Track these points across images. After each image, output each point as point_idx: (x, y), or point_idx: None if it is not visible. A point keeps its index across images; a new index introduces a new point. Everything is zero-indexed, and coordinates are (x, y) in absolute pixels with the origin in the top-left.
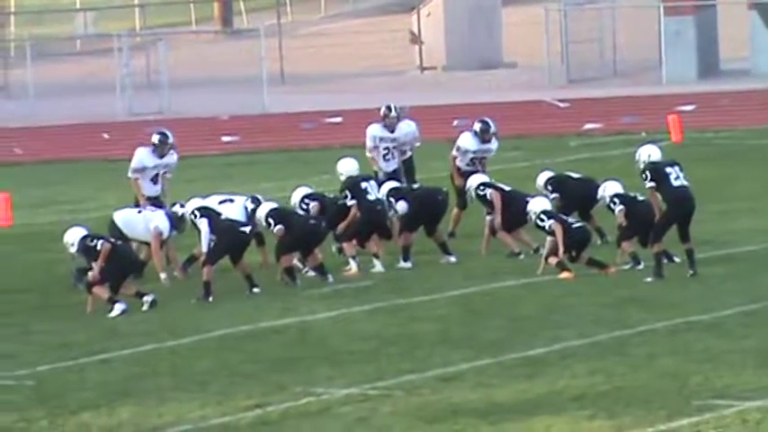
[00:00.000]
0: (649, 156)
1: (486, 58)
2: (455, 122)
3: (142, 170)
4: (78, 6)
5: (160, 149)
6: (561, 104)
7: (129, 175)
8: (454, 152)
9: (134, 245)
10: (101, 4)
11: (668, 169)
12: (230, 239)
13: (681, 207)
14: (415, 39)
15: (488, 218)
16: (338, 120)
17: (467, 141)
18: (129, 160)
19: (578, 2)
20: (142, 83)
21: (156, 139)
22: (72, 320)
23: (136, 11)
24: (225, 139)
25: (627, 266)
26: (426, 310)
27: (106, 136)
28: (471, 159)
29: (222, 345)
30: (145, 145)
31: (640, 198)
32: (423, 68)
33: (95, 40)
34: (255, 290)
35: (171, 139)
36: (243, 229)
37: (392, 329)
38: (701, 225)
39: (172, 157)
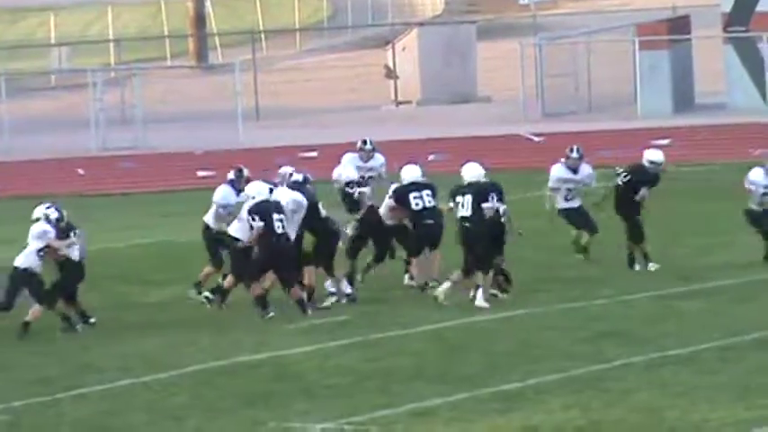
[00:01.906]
0: None
1: (460, 92)
2: (430, 157)
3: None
4: (53, 41)
5: (239, 184)
6: (536, 138)
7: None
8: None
9: None
10: (75, 39)
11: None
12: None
13: None
14: (391, 73)
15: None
16: (313, 154)
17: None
18: (103, 195)
19: (553, 36)
20: (116, 118)
21: (233, 174)
22: (47, 354)
23: (110, 46)
24: (200, 173)
25: None
26: (402, 344)
27: (81, 171)
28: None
29: (198, 380)
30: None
31: None
32: (398, 103)
33: (70, 75)
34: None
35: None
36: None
37: (368, 364)
38: (678, 259)
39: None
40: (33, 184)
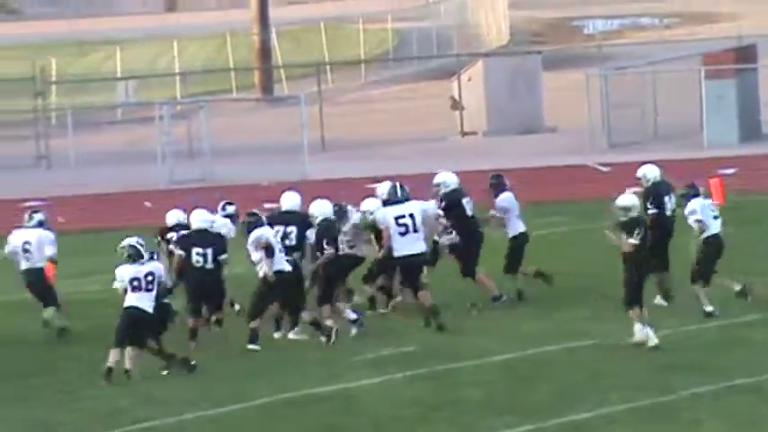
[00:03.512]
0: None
1: (526, 123)
2: None
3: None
4: (119, 75)
5: None
6: (603, 169)
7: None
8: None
9: None
10: (142, 72)
11: None
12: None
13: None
14: (456, 104)
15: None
16: (375, 186)
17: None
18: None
19: (618, 66)
20: (183, 151)
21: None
22: (117, 386)
23: (177, 79)
24: (266, 205)
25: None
26: (470, 375)
27: (148, 204)
28: None
29: (265, 413)
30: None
31: None
32: (464, 134)
33: (137, 109)
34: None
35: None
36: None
37: (436, 395)
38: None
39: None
40: (101, 218)
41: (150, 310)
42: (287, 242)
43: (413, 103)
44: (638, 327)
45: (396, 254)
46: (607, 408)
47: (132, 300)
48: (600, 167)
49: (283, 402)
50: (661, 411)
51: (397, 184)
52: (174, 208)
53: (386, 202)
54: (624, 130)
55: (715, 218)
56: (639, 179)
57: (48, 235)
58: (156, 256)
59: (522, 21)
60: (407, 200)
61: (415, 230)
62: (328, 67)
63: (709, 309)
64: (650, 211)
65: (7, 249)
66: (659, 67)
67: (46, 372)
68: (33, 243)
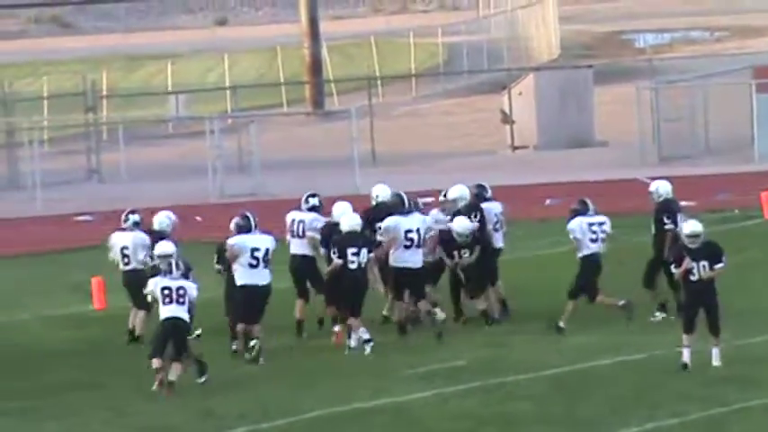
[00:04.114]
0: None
1: (577, 136)
2: (547, 202)
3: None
4: (170, 89)
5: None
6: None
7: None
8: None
9: None
10: (192, 86)
11: None
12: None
13: None
14: (507, 118)
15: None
16: (430, 200)
17: None
18: (222, 243)
19: (669, 80)
20: (234, 165)
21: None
22: (168, 401)
23: (227, 93)
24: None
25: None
26: (521, 389)
27: (199, 218)
28: None
29: (316, 426)
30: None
31: None
32: (514, 148)
33: (187, 123)
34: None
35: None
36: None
37: (487, 409)
38: None
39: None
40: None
41: (187, 318)
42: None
43: (463, 118)
44: (686, 352)
45: (395, 264)
46: (657, 421)
47: (167, 311)
48: (650, 181)
49: (333, 416)
50: (711, 425)
51: (404, 195)
52: (231, 221)
53: (394, 212)
54: (674, 144)
55: (593, 241)
56: (651, 194)
57: (142, 238)
58: (189, 276)
59: (572, 34)
60: (411, 212)
61: (418, 245)
62: (379, 81)
63: (561, 324)
64: (667, 227)
65: (112, 253)
66: (710, 81)
67: (91, 386)
68: (130, 246)
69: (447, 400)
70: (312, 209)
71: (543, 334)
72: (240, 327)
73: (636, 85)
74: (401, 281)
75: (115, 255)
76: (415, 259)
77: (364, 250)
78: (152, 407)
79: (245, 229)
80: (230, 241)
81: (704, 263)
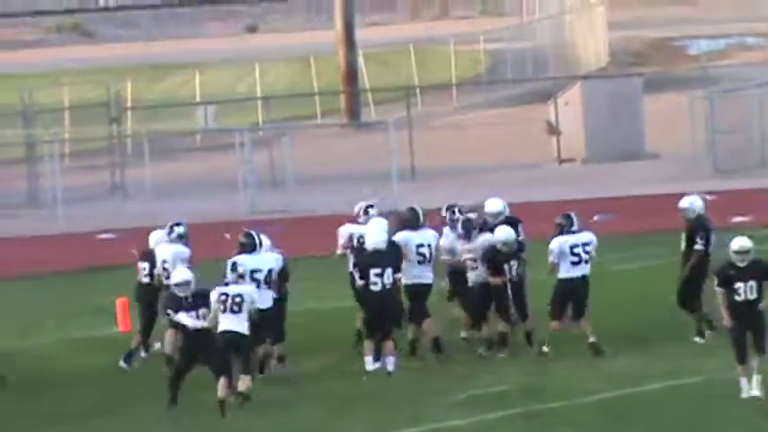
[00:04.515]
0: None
1: (627, 148)
2: (595, 218)
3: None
4: (198, 100)
5: None
6: (707, 197)
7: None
8: None
9: None
10: (221, 97)
11: None
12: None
13: None
14: (553, 129)
15: None
16: (473, 216)
17: None
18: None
19: (724, 89)
20: (265, 179)
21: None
22: (192, 429)
23: (258, 104)
24: None
25: None
26: (564, 415)
27: (227, 236)
28: None
29: None
30: None
31: None
32: (561, 161)
33: (216, 136)
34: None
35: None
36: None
37: None
38: None
39: None
40: None
41: (245, 331)
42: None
43: (507, 129)
44: (743, 382)
45: (406, 281)
46: None
47: (225, 323)
48: (704, 195)
49: None
50: None
51: (419, 210)
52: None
53: (406, 227)
54: (730, 156)
55: (574, 264)
56: (683, 211)
57: (182, 252)
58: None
59: (622, 41)
60: (423, 227)
61: (429, 261)
62: (418, 91)
63: (545, 349)
64: (697, 247)
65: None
66: (767, 89)
67: (115, 413)
68: (169, 259)
69: (488, 428)
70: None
71: (588, 358)
72: (261, 349)
73: (689, 95)
74: (413, 297)
75: (158, 269)
76: (427, 275)
77: (389, 270)
78: None
79: (248, 247)
80: (230, 261)
81: (752, 283)
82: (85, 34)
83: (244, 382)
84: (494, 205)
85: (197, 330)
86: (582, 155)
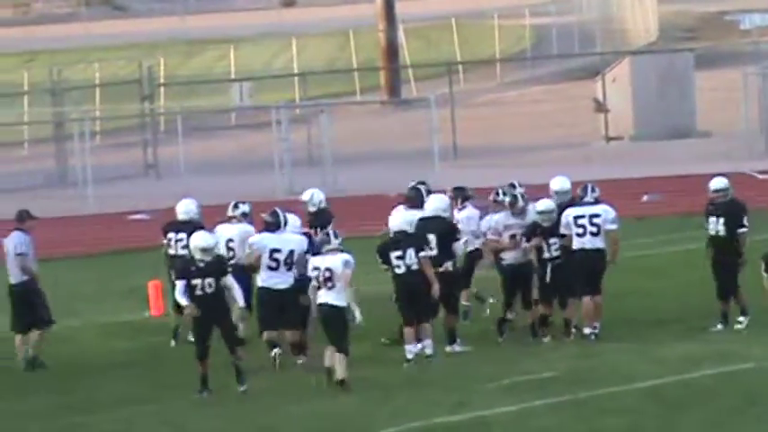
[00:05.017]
0: None
1: (677, 126)
2: (644, 197)
3: None
4: (233, 76)
5: None
6: (760, 176)
7: None
8: None
9: None
10: (257, 73)
11: None
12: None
13: None
14: (600, 107)
15: None
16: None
17: None
18: None
19: None
20: (303, 158)
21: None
22: (225, 417)
23: (295, 81)
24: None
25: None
26: (614, 402)
27: (264, 215)
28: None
29: None
30: None
31: None
32: (608, 139)
33: (252, 113)
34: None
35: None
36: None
37: (577, 425)
38: None
39: None
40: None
41: (342, 303)
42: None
43: (552, 106)
44: None
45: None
46: None
47: (323, 296)
48: (756, 174)
49: None
50: None
51: (422, 189)
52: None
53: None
54: None
55: (579, 235)
56: (718, 193)
57: (249, 231)
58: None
59: (671, 15)
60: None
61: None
62: (460, 67)
63: (587, 331)
64: (741, 231)
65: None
66: None
67: (147, 400)
68: (236, 239)
69: (533, 415)
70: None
71: (638, 342)
72: (265, 335)
73: (742, 71)
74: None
75: (220, 248)
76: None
77: (410, 251)
78: (212, 423)
79: (272, 226)
80: (251, 239)
81: None
82: (117, 8)
83: (340, 365)
84: (559, 183)
85: (199, 298)
86: (630, 133)
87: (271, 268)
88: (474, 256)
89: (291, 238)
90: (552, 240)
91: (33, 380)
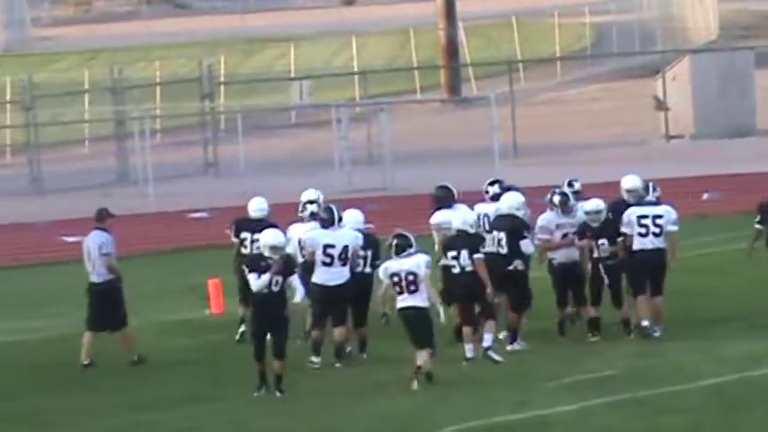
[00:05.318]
0: None
1: (738, 124)
2: (705, 196)
3: None
4: (293, 75)
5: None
6: None
7: None
8: None
9: None
10: (317, 72)
11: None
12: None
13: None
14: (660, 105)
15: None
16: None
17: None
18: None
19: None
20: (362, 157)
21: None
22: (287, 415)
23: (355, 79)
24: None
25: None
26: (674, 401)
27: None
28: None
29: None
30: None
31: None
32: (669, 137)
33: (312, 111)
34: None
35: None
36: None
37: (638, 424)
38: None
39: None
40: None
41: (426, 304)
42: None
43: (612, 104)
44: None
45: (444, 262)
46: None
47: (405, 300)
48: None
49: (472, 431)
50: None
51: (451, 187)
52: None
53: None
54: None
55: (642, 235)
56: None
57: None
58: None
59: (731, 13)
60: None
61: None
62: (520, 66)
63: (644, 323)
64: None
65: (289, 247)
66: None
67: (209, 399)
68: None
69: (593, 414)
70: (494, 198)
71: (700, 340)
72: (314, 333)
73: None
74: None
75: (294, 248)
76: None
77: (464, 252)
78: (275, 422)
79: (327, 223)
80: (303, 236)
81: None
82: (178, 6)
83: (424, 358)
84: (630, 182)
85: (263, 295)
86: (690, 131)
87: (325, 264)
88: None
89: (345, 233)
90: (601, 241)
91: (95, 378)
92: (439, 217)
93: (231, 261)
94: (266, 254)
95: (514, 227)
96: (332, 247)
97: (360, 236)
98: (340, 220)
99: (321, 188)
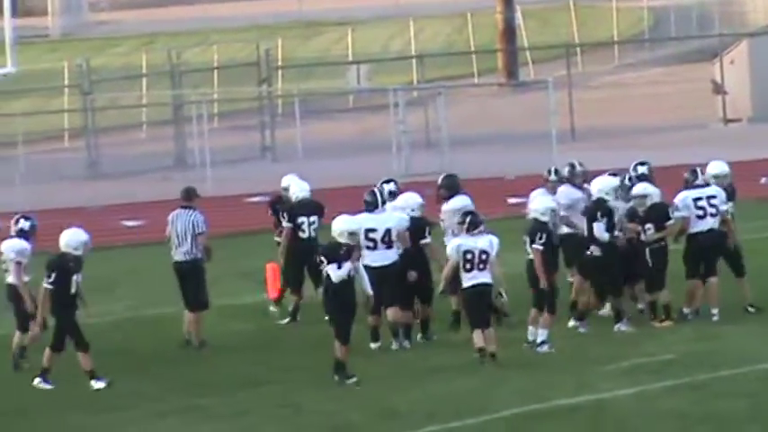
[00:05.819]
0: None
1: None
2: (763, 180)
3: None
4: (351, 59)
5: None
6: None
7: None
8: None
9: None
10: (375, 55)
11: None
12: None
13: None
14: (718, 89)
15: None
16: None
17: None
18: None
19: None
20: (420, 141)
21: None
22: (346, 399)
23: (413, 63)
24: (511, 201)
25: None
26: (733, 385)
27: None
28: None
29: (511, 426)
30: None
31: None
32: (726, 121)
33: (369, 96)
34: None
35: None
36: None
37: (696, 408)
38: None
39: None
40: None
41: (491, 281)
42: None
43: (670, 88)
44: None
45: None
46: None
47: (474, 277)
48: None
49: (530, 414)
50: None
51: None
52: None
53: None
54: None
55: (700, 217)
56: None
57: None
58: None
59: None
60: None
61: None
62: (578, 49)
63: (685, 310)
64: None
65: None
66: None
67: (265, 383)
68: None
69: (653, 398)
70: (562, 181)
71: (758, 324)
72: (370, 319)
73: None
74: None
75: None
76: None
77: (527, 240)
78: (331, 405)
79: (371, 206)
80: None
81: None
82: None
83: (490, 340)
84: (716, 167)
85: (339, 283)
86: (748, 115)
87: (368, 248)
88: None
89: (389, 216)
90: (648, 226)
91: (150, 362)
92: (458, 202)
93: (278, 246)
94: (343, 240)
95: (589, 211)
96: (374, 231)
97: (405, 218)
98: (384, 203)
99: (378, 173)
